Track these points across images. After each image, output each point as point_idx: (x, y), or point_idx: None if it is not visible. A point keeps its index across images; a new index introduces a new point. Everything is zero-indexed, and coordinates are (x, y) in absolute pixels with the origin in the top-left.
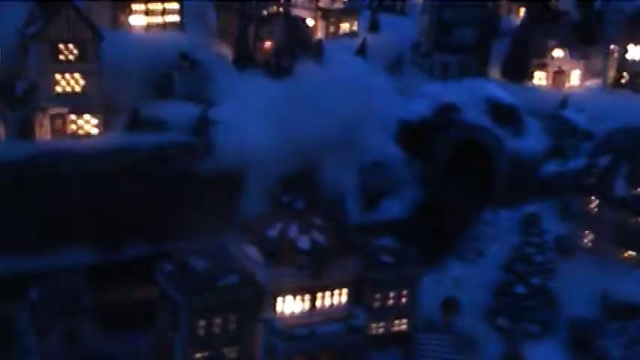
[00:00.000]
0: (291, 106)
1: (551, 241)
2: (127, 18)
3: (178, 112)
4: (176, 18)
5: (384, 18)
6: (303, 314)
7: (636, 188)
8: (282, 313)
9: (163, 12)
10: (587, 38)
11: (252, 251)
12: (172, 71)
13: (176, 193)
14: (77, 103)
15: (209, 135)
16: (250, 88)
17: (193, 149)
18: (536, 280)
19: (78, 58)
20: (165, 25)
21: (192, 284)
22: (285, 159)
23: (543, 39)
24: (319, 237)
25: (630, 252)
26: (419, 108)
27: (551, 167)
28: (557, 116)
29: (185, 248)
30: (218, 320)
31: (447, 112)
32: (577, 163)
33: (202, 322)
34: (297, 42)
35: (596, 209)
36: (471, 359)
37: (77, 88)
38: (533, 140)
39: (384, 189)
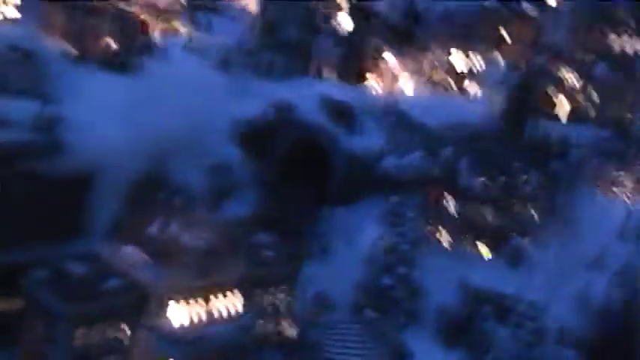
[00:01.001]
0: (137, 104)
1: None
2: None
3: (14, 108)
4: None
5: (210, 18)
6: (191, 317)
7: (479, 178)
8: (170, 317)
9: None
10: (408, 40)
11: (131, 253)
12: (3, 64)
13: (22, 197)
14: None
15: (53, 133)
16: (93, 84)
17: (37, 148)
18: (402, 270)
19: None
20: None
21: (70, 291)
22: (135, 159)
23: (371, 40)
24: (202, 233)
25: (479, 242)
26: (252, 107)
27: (389, 161)
28: (392, 111)
29: (37, 255)
30: (101, 328)
31: (281, 111)
32: (414, 156)
33: (83, 332)
34: (133, 38)
35: (443, 202)
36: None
37: None
38: (369, 138)
39: (224, 191)
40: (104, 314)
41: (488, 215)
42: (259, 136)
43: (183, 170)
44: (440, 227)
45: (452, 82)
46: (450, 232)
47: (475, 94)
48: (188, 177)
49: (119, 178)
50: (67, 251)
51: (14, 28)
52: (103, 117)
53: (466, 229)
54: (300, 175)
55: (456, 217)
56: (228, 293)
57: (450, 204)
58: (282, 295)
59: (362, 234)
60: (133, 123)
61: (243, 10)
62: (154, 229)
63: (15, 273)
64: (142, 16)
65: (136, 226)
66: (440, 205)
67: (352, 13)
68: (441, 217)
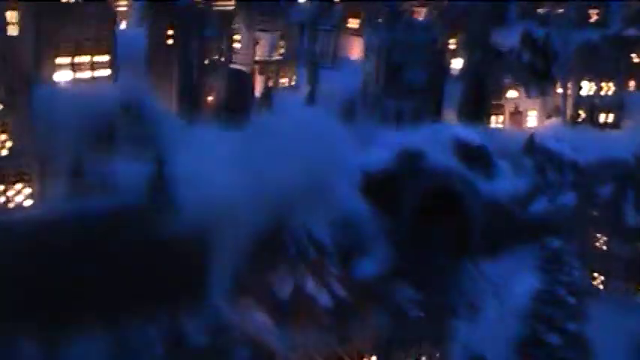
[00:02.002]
0: (253, 156)
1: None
2: (50, 74)
3: (128, 170)
4: (108, 72)
5: (321, 71)
6: None
7: None
8: None
9: (92, 66)
10: (540, 76)
11: (260, 317)
12: (115, 125)
13: (139, 264)
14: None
15: (168, 192)
16: (205, 139)
17: (152, 211)
18: (570, 326)
19: (3, 113)
20: (95, 79)
21: None
22: (255, 212)
23: (497, 79)
24: (340, 290)
25: None
26: (380, 157)
27: (540, 205)
28: (540, 149)
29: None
30: None
31: (411, 159)
32: (568, 197)
33: None
34: (243, 92)
35: (604, 245)
36: None
37: (3, 152)
38: (508, 181)
39: (354, 246)
40: None
41: None
42: (388, 186)
43: (308, 224)
44: (606, 274)
45: (586, 116)
46: (617, 279)
47: (616, 126)
48: (314, 232)
49: (240, 234)
50: (188, 317)
51: (120, 86)
52: (221, 172)
53: (631, 276)
54: (435, 225)
55: (624, 261)
56: (368, 357)
57: (616, 247)
58: (427, 357)
59: (514, 286)
60: (253, 176)
61: (358, 61)
62: (283, 288)
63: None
64: (254, 71)
65: (262, 285)
66: (604, 249)
67: (480, 51)
68: (607, 262)
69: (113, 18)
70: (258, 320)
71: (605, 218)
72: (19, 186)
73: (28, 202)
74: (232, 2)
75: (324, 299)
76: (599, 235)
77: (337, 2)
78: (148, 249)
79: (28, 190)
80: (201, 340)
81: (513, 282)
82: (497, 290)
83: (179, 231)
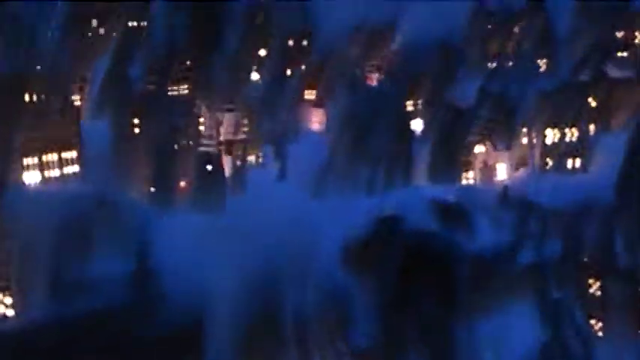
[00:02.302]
0: (234, 240)
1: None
2: (18, 175)
3: (109, 268)
4: (76, 168)
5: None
6: None
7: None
8: None
9: (61, 163)
10: (502, 129)
11: None
12: (91, 223)
13: None
14: None
15: (154, 287)
16: (184, 227)
17: (139, 309)
18: None
19: None
20: (64, 177)
21: None
22: (244, 298)
23: (462, 136)
24: None
25: None
26: (356, 226)
27: (527, 256)
28: (517, 199)
29: None
30: None
31: (388, 224)
32: (554, 244)
33: None
34: (215, 174)
35: (598, 290)
36: None
37: None
38: (487, 236)
39: (343, 320)
40: None
41: None
42: (369, 255)
43: (296, 303)
44: (604, 320)
45: (551, 162)
46: (617, 324)
47: (584, 170)
48: (303, 309)
49: (231, 322)
50: None
51: (90, 182)
52: (201, 261)
53: (636, 318)
54: (420, 288)
55: (622, 305)
56: None
57: (611, 291)
58: None
59: (512, 341)
60: (233, 262)
61: (319, 132)
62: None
63: None
64: (221, 152)
65: None
66: (598, 295)
67: (442, 111)
68: (604, 307)
69: (77, 112)
70: None
71: (596, 262)
72: None
73: (10, 312)
74: (186, 86)
75: None
76: (591, 281)
77: (289, 76)
78: (138, 350)
79: (8, 300)
80: None
81: (510, 337)
82: (495, 347)
83: (168, 327)
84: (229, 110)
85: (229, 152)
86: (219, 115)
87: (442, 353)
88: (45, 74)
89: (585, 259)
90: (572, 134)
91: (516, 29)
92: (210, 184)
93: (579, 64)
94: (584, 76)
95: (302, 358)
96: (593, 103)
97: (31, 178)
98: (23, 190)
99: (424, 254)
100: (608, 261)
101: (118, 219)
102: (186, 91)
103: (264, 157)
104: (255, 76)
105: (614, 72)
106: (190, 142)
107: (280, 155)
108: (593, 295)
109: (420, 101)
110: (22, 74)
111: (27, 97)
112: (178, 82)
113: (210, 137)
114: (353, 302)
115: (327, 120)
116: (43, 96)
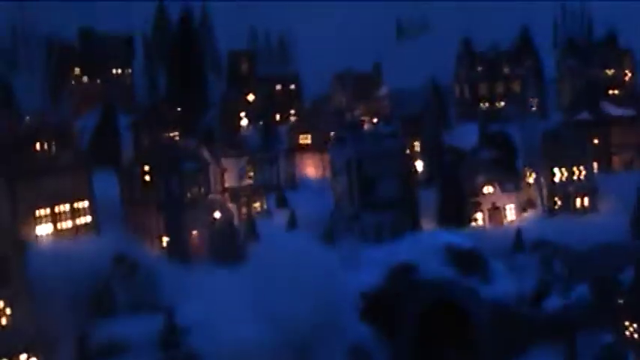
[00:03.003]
0: (262, 294)
1: None
2: (30, 228)
3: (135, 326)
4: (88, 218)
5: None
6: None
7: None
8: None
9: (73, 214)
10: (507, 170)
11: None
12: (110, 281)
13: None
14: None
15: (181, 346)
16: (207, 281)
17: None
18: None
19: None
20: (77, 229)
21: None
22: (274, 354)
23: (472, 177)
24: None
25: None
26: (371, 276)
27: (553, 302)
28: (541, 242)
29: None
30: None
31: (404, 274)
32: (582, 290)
33: None
34: (227, 226)
35: (635, 333)
36: None
37: (3, 321)
38: (506, 282)
39: None
40: None
41: None
42: (386, 305)
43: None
44: None
45: (562, 203)
46: None
47: (594, 210)
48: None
49: None
50: None
51: (106, 238)
52: (229, 316)
53: None
54: (441, 340)
55: None
56: None
57: None
58: None
59: None
60: (259, 316)
61: (315, 180)
62: None
63: None
64: (226, 200)
65: None
66: (636, 337)
67: (444, 153)
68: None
69: (88, 162)
70: None
71: (632, 304)
72: (24, 357)
73: None
74: (177, 133)
75: None
76: (627, 324)
77: (280, 121)
78: None
79: None
80: None
81: None
82: None
83: None
84: (231, 157)
85: (233, 200)
86: (222, 162)
87: None
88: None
89: (620, 302)
90: (579, 172)
91: (506, 70)
92: (222, 232)
93: (575, 102)
94: (583, 115)
95: None
96: (596, 141)
97: (44, 230)
98: (40, 247)
99: (442, 303)
100: None
101: (137, 275)
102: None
103: (267, 205)
104: (244, 121)
105: (612, 110)
106: (202, 189)
107: (284, 203)
108: (630, 338)
109: (417, 143)
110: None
111: (38, 147)
112: (169, 129)
113: (214, 185)
114: (374, 354)
115: (326, 165)
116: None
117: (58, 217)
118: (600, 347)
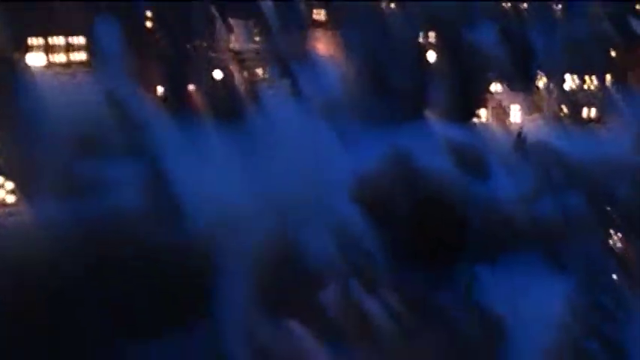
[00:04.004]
0: (248, 158)
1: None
2: (22, 56)
3: (122, 170)
4: (83, 56)
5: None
6: None
7: None
8: None
9: (68, 48)
10: (520, 72)
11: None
12: (99, 120)
13: (140, 280)
14: None
15: (170, 198)
16: (199, 136)
17: (150, 215)
18: (611, 331)
19: None
20: (70, 65)
21: None
22: (259, 219)
23: (481, 73)
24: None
25: None
26: (368, 160)
27: (545, 206)
28: (542, 145)
29: None
30: None
31: (402, 162)
32: (575, 197)
33: None
34: (227, 85)
35: (621, 245)
36: None
37: None
38: (503, 182)
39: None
40: None
41: None
42: (381, 192)
43: (314, 237)
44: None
45: (569, 112)
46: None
47: (599, 122)
48: (319, 245)
49: (247, 242)
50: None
51: (104, 77)
52: (214, 174)
53: None
54: (432, 232)
55: None
56: None
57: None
58: None
59: (535, 293)
60: (248, 179)
61: (326, 57)
62: (331, 304)
63: None
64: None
65: (303, 301)
66: (623, 249)
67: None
68: (628, 262)
69: None
70: (301, 338)
71: (625, 217)
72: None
73: (10, 199)
74: None
75: (378, 312)
76: (618, 235)
77: None
78: (152, 257)
79: (9, 185)
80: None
81: (533, 289)
82: (513, 299)
83: (180, 236)
84: (240, 17)
85: (236, 62)
86: (230, 21)
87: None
88: None
89: (613, 213)
90: (590, 82)
91: None
92: (224, 92)
93: (599, 13)
94: (606, 27)
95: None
96: (614, 54)
97: (35, 60)
98: (31, 73)
99: (437, 196)
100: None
101: (128, 118)
102: None
103: (272, 73)
104: None
105: (636, 26)
106: (204, 44)
107: (288, 74)
108: (617, 249)
109: (431, 34)
110: None
111: None
112: None
113: (218, 44)
114: (362, 237)
115: (337, 44)
116: None
117: (52, 49)
118: (584, 253)
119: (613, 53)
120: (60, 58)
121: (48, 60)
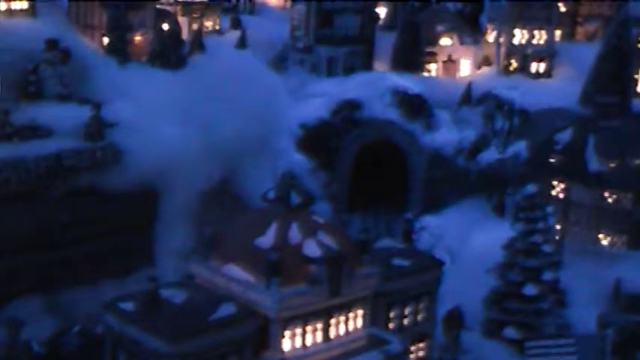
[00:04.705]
0: (198, 102)
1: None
2: None
3: (61, 114)
4: (25, 4)
5: (242, 18)
6: (316, 347)
7: (609, 161)
8: (292, 348)
9: None
10: (470, 25)
11: (237, 271)
12: (39, 65)
13: (81, 219)
14: None
15: (109, 140)
16: (140, 81)
17: (96, 157)
18: (547, 276)
19: None
20: (11, 12)
21: (175, 324)
22: (205, 165)
23: (431, 26)
24: (328, 240)
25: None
26: (314, 108)
27: (489, 155)
28: (488, 96)
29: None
30: None
31: (348, 110)
32: (519, 146)
33: None
34: (172, 33)
35: (561, 193)
36: None
37: None
38: (448, 132)
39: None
40: (215, 350)
41: (628, 204)
42: (324, 140)
43: (256, 178)
44: (573, 222)
45: (518, 65)
46: (585, 228)
47: (548, 75)
48: (261, 186)
49: (190, 185)
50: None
51: (41, 23)
52: (160, 118)
53: (604, 223)
54: (375, 179)
55: (585, 208)
56: (357, 314)
57: (576, 194)
58: (421, 314)
59: (472, 238)
60: (193, 123)
61: (276, 8)
62: (268, 238)
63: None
64: (177, 12)
65: (242, 236)
66: (562, 197)
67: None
68: (566, 210)
69: None
70: (236, 275)
71: (565, 165)
72: None
73: None
74: None
75: (311, 249)
76: (556, 183)
77: None
78: (90, 202)
79: None
80: (176, 297)
81: (470, 234)
82: (449, 245)
83: (123, 181)
84: None
85: (185, 14)
86: None
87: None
88: None
89: (553, 161)
90: (540, 37)
91: None
92: (168, 41)
93: None
94: None
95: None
96: (563, 9)
97: None
98: None
99: (381, 144)
100: (577, 165)
101: (70, 63)
102: None
103: (220, 24)
104: None
105: None
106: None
107: (238, 24)
108: (556, 197)
109: None
110: None
111: None
112: None
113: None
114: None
115: None
116: None
117: None
118: (522, 196)
119: (562, 8)
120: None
121: None
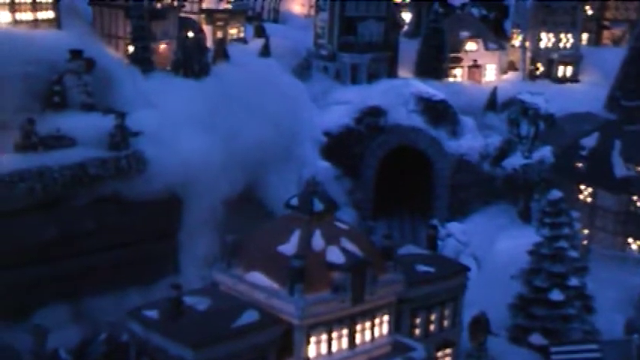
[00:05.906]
0: (222, 110)
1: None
2: None
3: (85, 123)
4: (50, 14)
5: (266, 25)
6: (341, 354)
7: (636, 166)
8: (317, 355)
9: (34, 6)
10: (495, 30)
11: (260, 278)
12: (63, 75)
13: (106, 227)
14: None
15: (133, 149)
16: (165, 91)
17: (121, 166)
18: (573, 281)
19: None
20: (37, 23)
21: (198, 331)
22: (229, 174)
23: (456, 32)
24: (351, 246)
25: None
26: (338, 116)
27: (515, 161)
28: (514, 101)
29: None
30: None
31: (372, 116)
32: (545, 151)
33: None
34: (197, 42)
35: (588, 198)
36: None
37: None
38: (473, 138)
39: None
40: (239, 358)
41: None
42: (348, 148)
43: (279, 186)
44: (599, 228)
45: (544, 70)
46: (611, 233)
47: (574, 80)
48: (284, 191)
49: (214, 193)
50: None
51: (65, 33)
52: (184, 127)
53: (630, 228)
54: (400, 186)
55: (611, 213)
56: (382, 321)
57: (602, 200)
58: (446, 320)
59: (497, 244)
60: (217, 131)
61: (300, 16)
62: (291, 245)
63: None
64: (201, 20)
65: (264, 243)
66: (588, 202)
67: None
68: (592, 215)
69: None
70: (260, 282)
71: (591, 170)
72: None
73: None
74: None
75: (335, 256)
76: (583, 188)
77: None
78: (114, 210)
79: None
80: (200, 304)
81: (496, 240)
82: (475, 251)
83: (148, 189)
84: None
85: (209, 22)
86: None
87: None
88: None
89: (579, 166)
90: (566, 41)
91: None
92: (192, 51)
93: None
94: None
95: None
96: (590, 12)
97: (1, 18)
98: None
99: (406, 151)
100: (603, 170)
101: (93, 73)
102: None
103: (245, 32)
104: None
105: None
106: (174, 3)
107: (262, 32)
108: (583, 202)
109: None
110: None
111: None
112: None
113: (191, 3)
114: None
115: (312, 3)
116: None
117: (18, 7)
118: (548, 202)
119: (589, 11)
120: (27, 16)
121: (13, 18)
